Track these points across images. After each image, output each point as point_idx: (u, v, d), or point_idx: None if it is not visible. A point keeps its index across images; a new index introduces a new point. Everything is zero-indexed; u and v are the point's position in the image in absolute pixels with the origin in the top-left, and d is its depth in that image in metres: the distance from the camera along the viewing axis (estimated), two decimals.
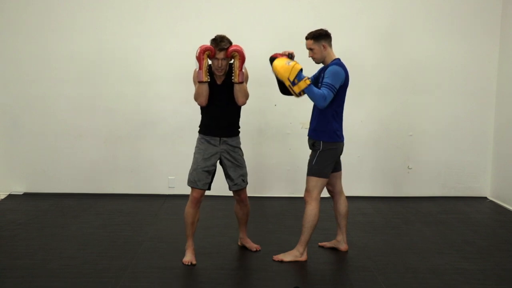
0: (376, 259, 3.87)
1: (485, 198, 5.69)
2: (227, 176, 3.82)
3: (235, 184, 3.81)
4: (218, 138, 3.75)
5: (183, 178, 4.04)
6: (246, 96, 3.70)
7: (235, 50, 3.56)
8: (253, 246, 4.01)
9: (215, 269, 3.64)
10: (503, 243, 4.30)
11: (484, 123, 5.65)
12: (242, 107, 3.78)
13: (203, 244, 4.05)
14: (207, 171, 3.72)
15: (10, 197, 5.41)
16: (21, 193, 5.51)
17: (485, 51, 5.56)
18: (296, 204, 5.21)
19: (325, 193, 3.93)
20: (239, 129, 3.85)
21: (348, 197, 4.05)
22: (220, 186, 4.22)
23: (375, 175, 5.65)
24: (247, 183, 3.88)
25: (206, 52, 3.54)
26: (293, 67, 3.47)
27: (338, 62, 3.70)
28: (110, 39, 5.37)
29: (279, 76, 3.53)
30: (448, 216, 5.00)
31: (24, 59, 5.37)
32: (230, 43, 3.61)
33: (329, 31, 3.77)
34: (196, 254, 3.78)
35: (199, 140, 3.80)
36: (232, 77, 3.63)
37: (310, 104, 3.81)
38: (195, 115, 4.31)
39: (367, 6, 5.44)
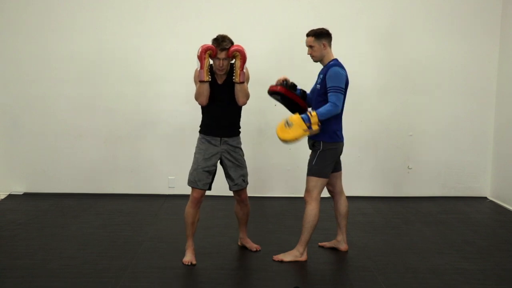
0: (376, 259, 3.87)
1: (485, 198, 5.69)
2: (228, 176, 3.82)
3: (235, 184, 3.81)
4: (218, 138, 3.74)
5: (183, 178, 4.04)
6: (247, 96, 3.70)
7: (237, 50, 3.56)
8: (253, 246, 4.01)
9: (215, 269, 3.64)
10: (503, 243, 4.30)
11: (484, 123, 5.65)
12: (243, 107, 3.78)
13: (203, 244, 4.05)
14: (208, 171, 3.72)
15: (10, 197, 5.41)
16: (21, 193, 5.51)
17: (485, 51, 5.56)
18: (296, 204, 5.21)
19: (325, 193, 3.93)
20: (240, 129, 3.85)
21: (348, 197, 4.05)
22: (220, 186, 4.22)
23: (375, 175, 5.65)
24: (247, 183, 3.88)
25: (208, 52, 3.54)
26: (295, 123, 3.47)
27: (336, 63, 3.70)
28: (110, 39, 5.38)
29: (296, 138, 3.50)
30: (448, 216, 5.00)
31: (24, 59, 5.37)
32: (232, 43, 3.61)
33: (329, 31, 3.78)
34: (196, 254, 3.78)
35: (199, 140, 3.80)
36: (233, 77, 3.63)
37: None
38: (195, 115, 4.31)
39: (367, 6, 5.44)
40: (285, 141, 3.56)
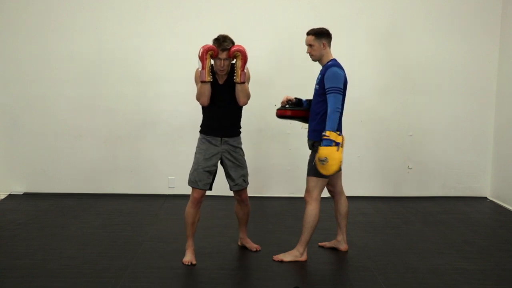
0: (376, 259, 3.87)
1: (485, 198, 5.69)
2: (228, 176, 3.82)
3: (236, 184, 3.81)
4: (219, 138, 3.74)
5: (183, 178, 4.04)
6: (248, 96, 3.70)
7: (238, 50, 3.55)
8: (253, 246, 4.01)
9: (215, 269, 3.64)
10: (503, 243, 4.30)
11: (484, 123, 5.65)
12: (243, 107, 3.78)
13: (203, 244, 4.05)
14: (208, 171, 3.72)
15: (10, 197, 5.41)
16: (21, 193, 5.51)
17: (485, 51, 5.56)
18: (296, 204, 5.21)
19: (325, 193, 3.93)
20: (240, 129, 3.85)
21: (348, 197, 4.05)
22: (220, 186, 4.22)
23: (375, 175, 5.65)
24: (248, 183, 3.88)
25: (209, 52, 3.53)
26: (326, 153, 3.50)
27: (335, 63, 3.70)
28: (110, 39, 5.38)
29: (340, 161, 3.53)
30: (448, 216, 5.00)
31: (24, 59, 5.38)
32: (233, 43, 3.61)
33: (329, 31, 3.78)
34: (196, 254, 3.78)
35: (200, 140, 3.80)
36: (234, 77, 3.63)
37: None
38: (195, 115, 4.31)
39: (367, 6, 5.44)
40: (335, 172, 3.57)
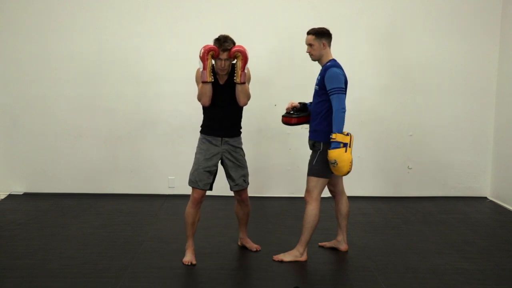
0: (376, 259, 3.87)
1: (485, 198, 5.69)
2: (228, 176, 3.82)
3: (236, 185, 3.81)
4: (219, 138, 3.74)
5: (183, 178, 4.04)
6: (248, 96, 3.69)
7: (238, 51, 3.55)
8: (253, 246, 4.01)
9: (215, 269, 3.64)
10: (503, 243, 4.30)
11: (484, 123, 5.65)
12: (243, 107, 3.78)
13: (203, 244, 4.05)
14: (209, 171, 3.71)
15: (10, 197, 5.41)
16: (21, 193, 5.51)
17: (485, 51, 5.56)
18: (296, 204, 5.21)
19: (325, 193, 3.92)
20: (241, 129, 3.84)
21: (348, 197, 4.05)
22: (220, 186, 4.22)
23: (375, 175, 5.65)
24: (248, 184, 3.88)
25: (210, 53, 3.53)
26: (336, 156, 3.54)
27: (334, 64, 3.70)
28: (110, 39, 5.37)
29: (351, 162, 3.58)
30: (448, 216, 5.00)
31: (24, 59, 5.37)
32: (234, 43, 3.60)
33: (330, 31, 3.77)
34: (196, 254, 3.78)
35: (200, 140, 3.80)
36: (234, 77, 3.63)
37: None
38: (195, 115, 4.31)
39: (367, 6, 5.44)
40: (348, 172, 3.60)
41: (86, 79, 5.42)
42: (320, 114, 3.70)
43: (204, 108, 3.76)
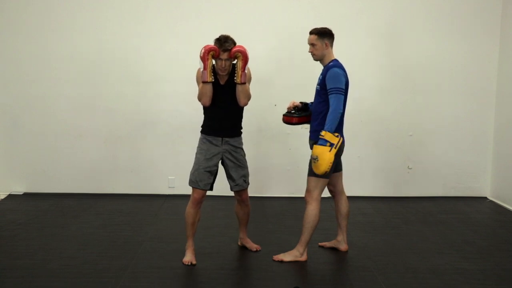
0: (376, 259, 3.87)
1: (485, 198, 5.69)
2: (229, 176, 3.82)
3: (236, 185, 3.81)
4: (220, 138, 3.74)
5: (183, 178, 4.04)
6: (248, 97, 3.69)
7: (239, 51, 3.55)
8: (253, 246, 4.01)
9: (215, 269, 3.64)
10: (503, 243, 4.30)
11: (484, 123, 5.65)
12: (244, 107, 3.78)
13: (203, 244, 4.05)
14: (209, 172, 3.71)
15: (10, 197, 5.41)
16: (21, 193, 5.51)
17: (485, 51, 5.56)
18: (296, 204, 5.21)
19: (325, 193, 3.93)
20: (241, 130, 3.84)
21: (348, 197, 4.05)
22: (220, 186, 4.21)
23: (375, 175, 5.65)
24: (248, 184, 3.88)
25: (211, 53, 3.53)
26: (319, 153, 3.50)
27: (336, 64, 3.70)
28: (110, 39, 5.37)
29: (330, 163, 3.52)
30: (448, 216, 5.00)
31: (24, 59, 5.37)
32: (234, 43, 3.60)
33: (332, 31, 3.77)
34: (196, 254, 3.78)
35: (201, 140, 3.80)
36: (235, 78, 3.63)
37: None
38: (195, 115, 4.31)
39: (367, 6, 5.44)
40: (325, 172, 3.56)
41: (86, 79, 5.42)
42: (321, 114, 3.70)
43: (204, 108, 3.76)
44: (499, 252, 4.07)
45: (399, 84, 5.55)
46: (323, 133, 3.54)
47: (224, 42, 3.55)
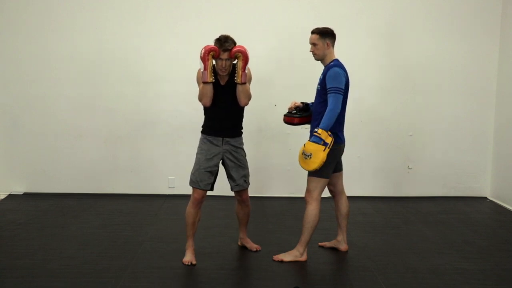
0: (376, 259, 3.87)
1: (485, 198, 5.69)
2: (229, 176, 3.82)
3: (237, 185, 3.81)
4: (220, 138, 3.74)
5: (183, 178, 4.04)
6: (249, 97, 3.69)
7: (239, 51, 3.55)
8: (253, 246, 4.01)
9: (215, 269, 3.64)
10: (503, 243, 4.30)
11: (484, 123, 5.65)
12: (244, 107, 3.78)
13: (203, 244, 4.05)
14: (210, 172, 3.71)
15: (10, 197, 5.41)
16: (21, 193, 5.51)
17: (485, 51, 5.56)
18: (296, 204, 5.21)
19: (325, 193, 3.92)
20: (242, 130, 3.84)
21: (348, 197, 4.05)
22: (221, 186, 4.21)
23: (375, 175, 5.65)
24: (249, 184, 3.88)
25: (211, 53, 3.53)
26: (312, 150, 3.50)
27: (337, 64, 3.70)
28: (110, 39, 5.37)
29: (322, 162, 3.51)
30: (448, 216, 5.00)
31: (24, 59, 5.37)
32: (234, 43, 3.60)
33: (334, 31, 3.77)
34: (196, 254, 3.78)
35: (201, 140, 3.80)
36: (235, 78, 3.63)
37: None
38: (195, 115, 4.31)
39: (367, 6, 5.44)
40: (314, 169, 3.56)
41: (86, 79, 5.42)
42: (321, 114, 3.68)
43: (205, 108, 3.76)
44: (499, 252, 4.07)
45: (399, 84, 5.55)
46: (319, 131, 3.53)
47: (224, 42, 3.55)
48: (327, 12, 5.38)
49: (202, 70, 3.56)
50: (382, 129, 5.59)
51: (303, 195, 3.87)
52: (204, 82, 3.58)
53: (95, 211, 4.97)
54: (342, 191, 4.01)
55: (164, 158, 5.53)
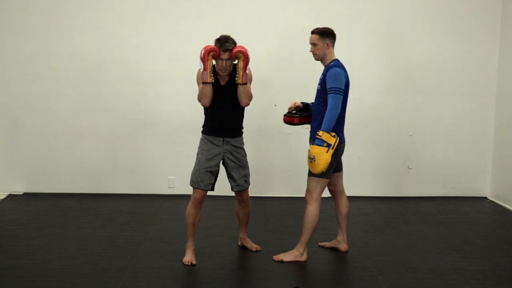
0: (376, 259, 3.87)
1: (485, 198, 5.69)
2: (230, 176, 3.82)
3: (237, 185, 3.81)
4: (221, 138, 3.74)
5: (183, 178, 4.04)
6: (250, 97, 3.68)
7: (240, 51, 3.54)
8: (253, 246, 4.01)
9: (215, 269, 3.64)
10: (503, 243, 4.30)
11: (484, 123, 5.65)
12: (245, 108, 3.78)
13: (203, 244, 4.05)
14: (210, 172, 3.71)
15: (10, 197, 5.41)
16: (21, 193, 5.51)
17: (485, 51, 5.56)
18: (296, 204, 5.21)
19: (325, 193, 3.92)
20: (243, 130, 3.84)
21: (348, 197, 4.05)
22: (221, 186, 4.21)
23: (375, 175, 5.65)
24: (249, 184, 3.88)
25: (211, 53, 3.52)
26: (316, 153, 3.51)
27: (337, 64, 3.70)
28: (110, 39, 5.37)
29: (327, 163, 3.52)
30: (448, 216, 5.00)
31: (24, 59, 5.37)
32: (235, 43, 3.59)
33: (334, 32, 3.77)
34: (196, 254, 3.78)
35: (202, 140, 3.80)
36: (236, 78, 3.62)
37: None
38: (195, 115, 4.31)
39: (367, 6, 5.44)
40: (322, 171, 3.57)
41: (86, 79, 5.42)
42: (322, 114, 3.69)
43: (205, 108, 3.76)
44: (499, 252, 4.07)
45: (399, 84, 5.55)
46: (320, 133, 3.54)
47: (225, 42, 3.55)
48: (327, 12, 5.38)
49: (202, 70, 3.56)
50: (382, 129, 5.59)
51: (303, 195, 3.87)
52: (204, 83, 3.58)
53: (95, 211, 4.97)
54: (342, 191, 4.01)
55: (164, 158, 5.53)
